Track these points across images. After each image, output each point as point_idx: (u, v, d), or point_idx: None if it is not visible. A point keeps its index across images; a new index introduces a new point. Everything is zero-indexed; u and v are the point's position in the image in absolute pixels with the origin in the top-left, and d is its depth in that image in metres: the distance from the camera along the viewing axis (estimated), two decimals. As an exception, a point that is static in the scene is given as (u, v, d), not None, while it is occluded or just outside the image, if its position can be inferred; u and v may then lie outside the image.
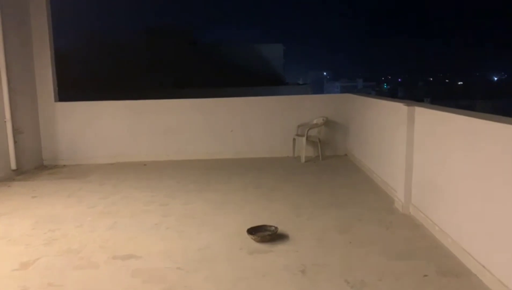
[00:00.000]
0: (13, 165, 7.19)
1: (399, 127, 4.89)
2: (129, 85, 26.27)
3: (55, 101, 8.14)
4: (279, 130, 8.31)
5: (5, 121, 7.03)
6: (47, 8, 7.91)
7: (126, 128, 8.31)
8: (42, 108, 8.08)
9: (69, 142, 8.20)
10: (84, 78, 26.61)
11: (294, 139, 8.06)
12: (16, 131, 7.26)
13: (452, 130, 3.85)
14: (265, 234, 4.11)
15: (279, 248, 3.93)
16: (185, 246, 4.04)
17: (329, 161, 7.80)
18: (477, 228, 3.36)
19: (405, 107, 4.67)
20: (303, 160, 7.76)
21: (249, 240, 4.08)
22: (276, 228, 4.21)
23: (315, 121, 8.10)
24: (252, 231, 4.18)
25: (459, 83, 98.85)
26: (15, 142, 7.17)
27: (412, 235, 4.16)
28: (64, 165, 8.04)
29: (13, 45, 7.29)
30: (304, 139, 7.77)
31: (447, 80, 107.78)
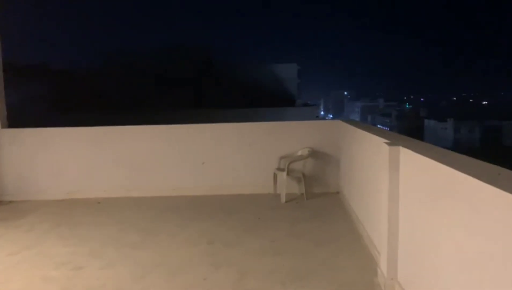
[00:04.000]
0: None
1: (381, 172, 3.59)
2: (142, 105, 25.66)
3: (2, 127, 7.12)
4: (259, 162, 7.06)
5: None
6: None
7: (84, 159, 7.19)
8: (-14, 136, 7.06)
9: (18, 174, 7.12)
10: (96, 98, 26.11)
11: (274, 174, 6.78)
12: None
13: (443, 187, 2.54)
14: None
15: None
16: None
17: (315, 202, 6.47)
18: None
19: (386, 147, 3.37)
20: (283, 199, 6.46)
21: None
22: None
23: (299, 153, 6.82)
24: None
25: (484, 102, 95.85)
26: None
27: (391, 340, 2.81)
28: (10, 201, 6.95)
29: None
30: (284, 174, 6.49)
31: (471, 100, 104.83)
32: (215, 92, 30.08)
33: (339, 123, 6.99)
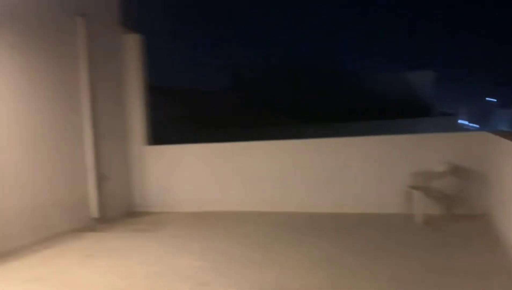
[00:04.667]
0: (95, 213, 6.93)
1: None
2: (270, 120, 26.53)
3: (146, 144, 7.83)
4: (389, 179, 6.54)
5: (87, 168, 6.85)
6: (139, 47, 7.74)
7: (214, 173, 7.53)
8: (133, 152, 7.83)
9: (159, 187, 7.77)
10: (228, 115, 27.81)
11: (407, 192, 6.17)
12: (102, 177, 7.03)
13: None
14: None
15: None
16: None
17: (456, 225, 5.70)
18: None
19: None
20: (418, 221, 5.82)
21: None
22: None
23: (437, 169, 6.10)
24: None
25: None
26: (98, 188, 6.93)
27: None
28: (153, 213, 7.58)
29: (102, 87, 7.05)
30: (421, 193, 5.86)
31: None
32: (343, 104, 29.51)
33: (486, 135, 6.10)
